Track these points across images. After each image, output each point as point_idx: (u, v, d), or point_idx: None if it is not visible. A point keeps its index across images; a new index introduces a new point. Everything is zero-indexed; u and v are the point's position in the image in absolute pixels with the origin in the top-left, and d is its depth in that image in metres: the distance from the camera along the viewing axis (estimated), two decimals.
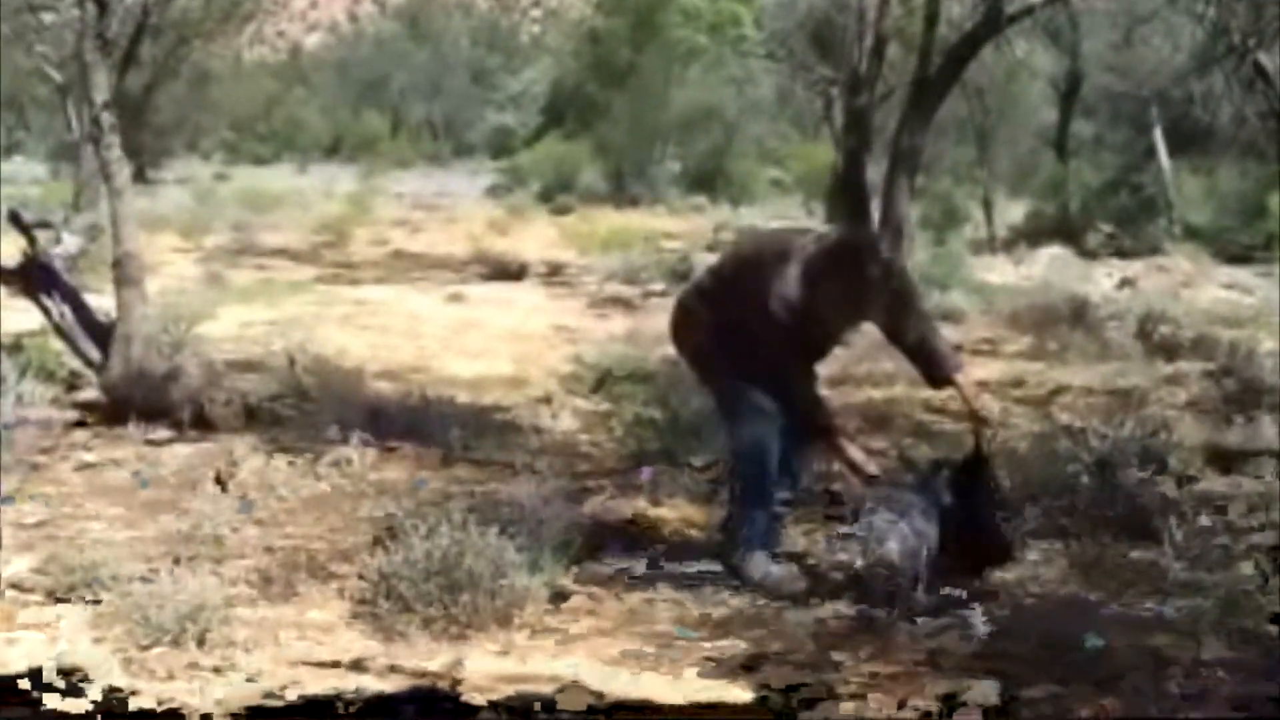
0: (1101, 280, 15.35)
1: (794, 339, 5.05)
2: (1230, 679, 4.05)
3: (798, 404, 5.10)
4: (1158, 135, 22.24)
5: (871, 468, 5.11)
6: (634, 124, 32.00)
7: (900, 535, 4.80)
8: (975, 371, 9.54)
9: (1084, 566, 5.30)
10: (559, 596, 4.86)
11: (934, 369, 5.33)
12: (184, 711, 3.91)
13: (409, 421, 7.30)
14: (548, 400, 8.38)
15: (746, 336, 5.11)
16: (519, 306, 13.17)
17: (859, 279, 4.99)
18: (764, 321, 5.04)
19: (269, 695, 4.03)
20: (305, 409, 7.59)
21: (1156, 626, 4.57)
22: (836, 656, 4.37)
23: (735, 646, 4.46)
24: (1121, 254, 18.94)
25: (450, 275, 16.07)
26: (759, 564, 5.11)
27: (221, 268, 15.77)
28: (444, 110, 58.80)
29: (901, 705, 3.94)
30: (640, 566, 5.32)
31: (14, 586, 5.05)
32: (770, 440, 5.15)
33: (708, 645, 4.46)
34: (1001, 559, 5.20)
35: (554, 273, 16.45)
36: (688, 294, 5.63)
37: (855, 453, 5.12)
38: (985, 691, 3.99)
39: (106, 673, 4.19)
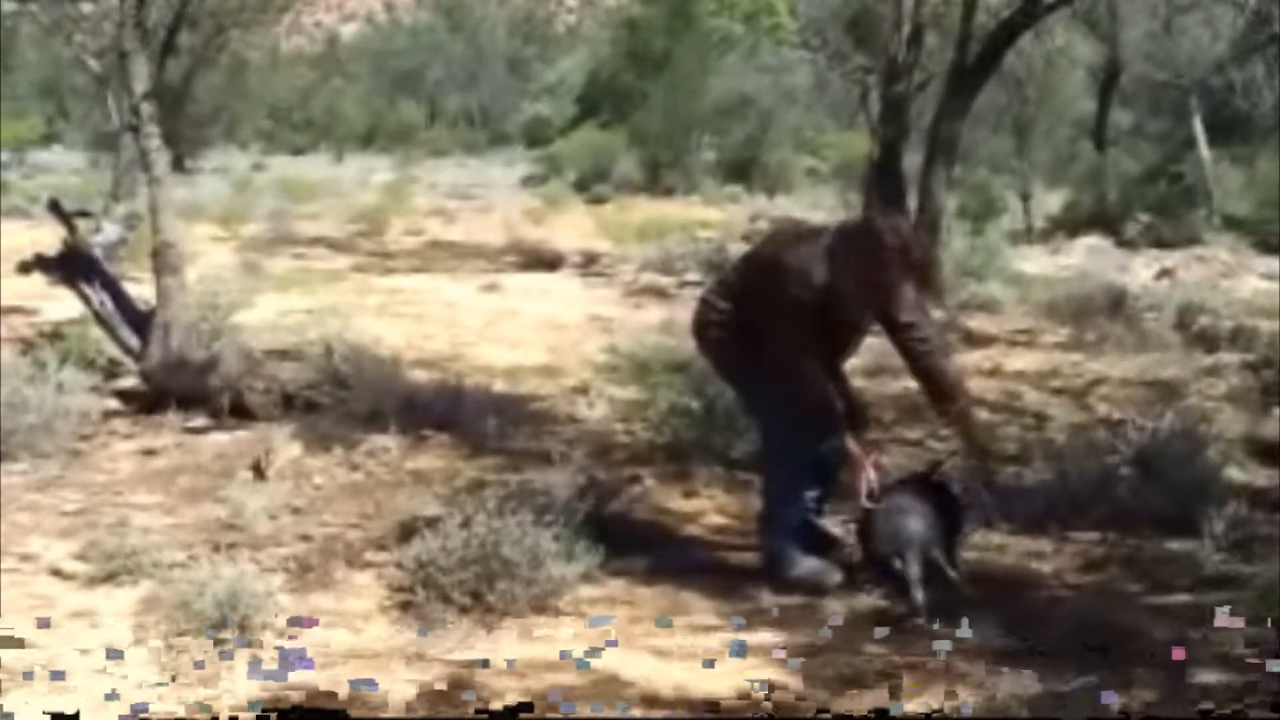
0: (1140, 271, 15.23)
1: (809, 327, 4.98)
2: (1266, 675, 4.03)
3: (807, 403, 5.03)
4: (1197, 125, 22.03)
5: (866, 503, 4.98)
6: (669, 113, 31.92)
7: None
8: (1013, 362, 9.60)
9: (1122, 558, 5.28)
10: (594, 585, 4.87)
11: (934, 385, 5.16)
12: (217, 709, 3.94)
13: (445, 410, 7.31)
14: (583, 390, 8.38)
15: (765, 332, 5.08)
16: (554, 296, 13.16)
17: (881, 253, 4.91)
18: (780, 309, 4.99)
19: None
20: (342, 397, 7.61)
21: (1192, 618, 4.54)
22: (871, 648, 4.37)
23: (771, 638, 4.46)
24: (1160, 244, 18.76)
25: (486, 264, 16.07)
26: (793, 560, 5.08)
27: (259, 256, 15.82)
28: (480, 100, 58.83)
29: (948, 696, 3.94)
30: (675, 557, 5.33)
31: (54, 573, 5.10)
32: (801, 434, 5.11)
33: (743, 636, 4.46)
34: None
35: (589, 262, 16.44)
36: (710, 290, 5.55)
37: (862, 478, 4.99)
38: (1023, 683, 3.98)
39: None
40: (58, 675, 4.11)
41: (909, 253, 5.00)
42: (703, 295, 5.60)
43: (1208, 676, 4.03)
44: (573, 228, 20.93)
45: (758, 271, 5.24)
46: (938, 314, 10.14)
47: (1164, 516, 5.52)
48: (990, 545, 5.47)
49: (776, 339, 5.04)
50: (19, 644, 4.34)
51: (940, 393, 5.14)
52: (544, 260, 16.35)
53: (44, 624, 4.53)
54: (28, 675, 4.10)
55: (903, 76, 15.63)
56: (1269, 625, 4.30)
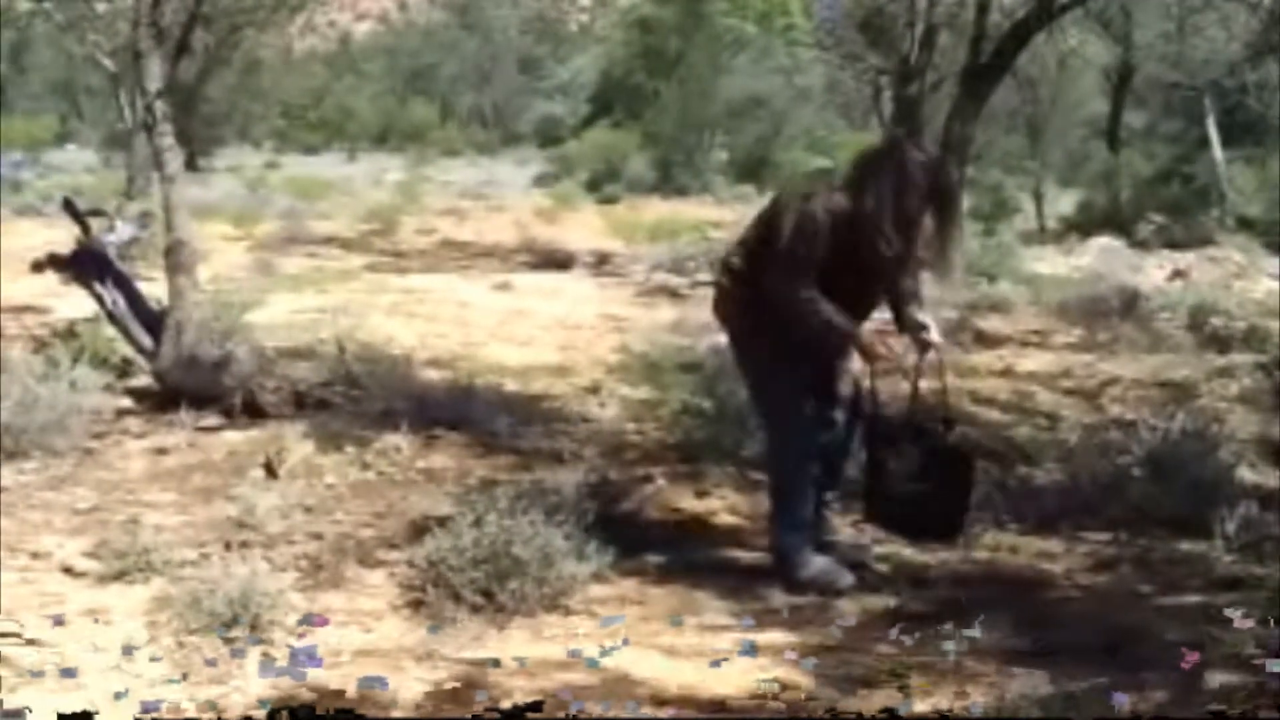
0: (1152, 271, 15.21)
1: (814, 260, 4.83)
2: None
3: (808, 331, 4.90)
4: (1210, 126, 22.02)
5: (898, 347, 5.02)
6: (682, 113, 31.94)
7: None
8: (1025, 362, 9.59)
9: (1134, 559, 5.27)
10: (605, 585, 4.87)
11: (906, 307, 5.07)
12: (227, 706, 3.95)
13: (456, 409, 7.32)
14: (595, 389, 8.38)
15: (767, 269, 4.95)
16: (566, 295, 13.17)
17: (906, 169, 4.81)
18: (786, 243, 4.87)
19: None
20: (354, 396, 7.63)
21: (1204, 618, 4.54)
22: (882, 648, 4.37)
23: (782, 638, 4.46)
24: (1173, 245, 18.75)
25: (498, 264, 16.09)
26: (803, 560, 5.05)
27: (271, 255, 15.85)
28: (492, 99, 58.92)
29: (959, 696, 3.93)
30: (686, 557, 5.33)
31: (66, 570, 5.11)
32: (809, 431, 5.07)
33: (754, 636, 4.45)
34: (944, 534, 5.18)
35: (601, 262, 16.44)
36: (719, 268, 5.45)
37: (879, 344, 4.93)
38: (1034, 683, 3.97)
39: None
40: (68, 673, 4.12)
41: (934, 173, 4.90)
42: (716, 275, 5.54)
43: (1219, 678, 4.02)
44: (585, 227, 20.95)
45: (771, 217, 5.06)
46: (950, 314, 10.17)
47: (1176, 517, 5.51)
48: (1002, 545, 5.46)
49: (776, 270, 4.91)
50: (30, 642, 4.35)
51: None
52: (556, 260, 16.36)
53: (57, 621, 4.54)
54: (38, 673, 4.11)
55: (915, 77, 15.64)
56: None
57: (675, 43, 33.56)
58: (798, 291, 4.85)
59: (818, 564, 5.04)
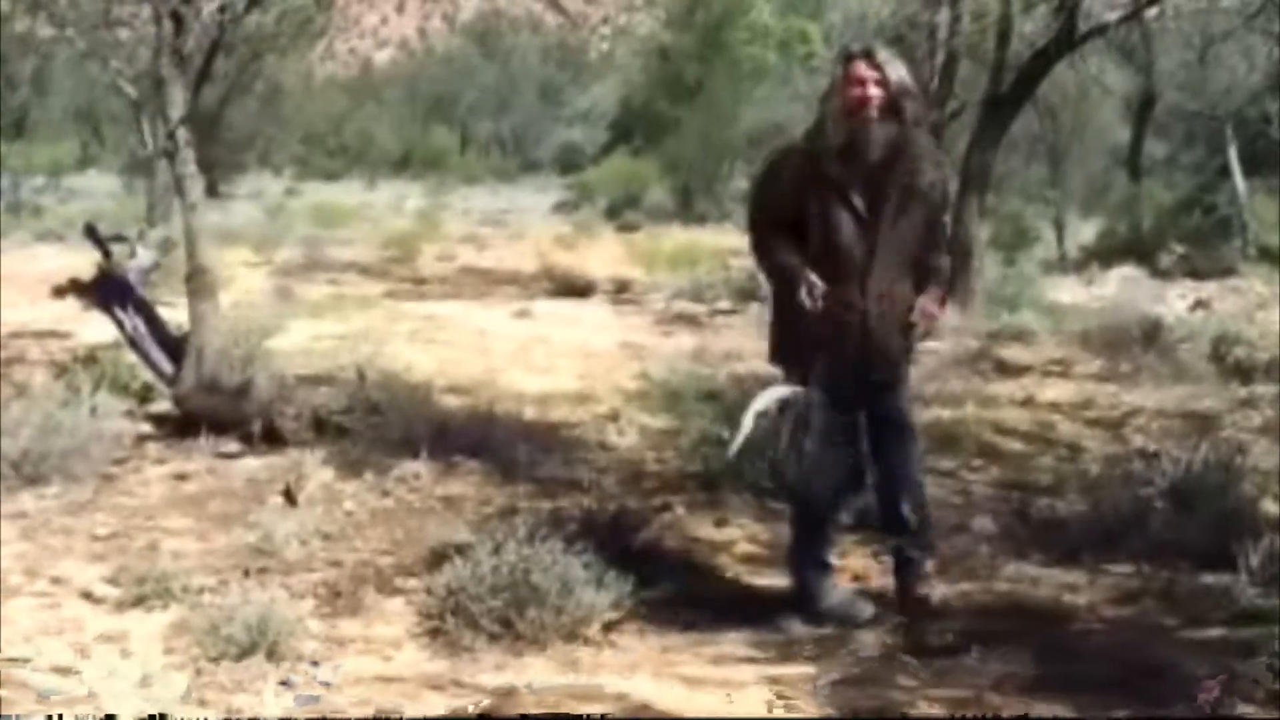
0: (1174, 301, 15.14)
1: (782, 206, 4.80)
2: None
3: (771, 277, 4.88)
4: (1232, 155, 21.93)
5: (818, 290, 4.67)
6: (702, 141, 31.96)
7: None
8: (1047, 392, 9.55)
9: (1157, 591, 5.23)
10: (624, 614, 4.85)
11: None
12: None
13: (476, 437, 7.31)
14: (614, 417, 8.36)
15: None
16: (586, 323, 13.17)
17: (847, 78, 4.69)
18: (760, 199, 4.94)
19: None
20: (373, 423, 7.63)
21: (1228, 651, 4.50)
22: (903, 680, 4.34)
23: (799, 671, 4.43)
24: (1195, 275, 18.67)
25: (517, 291, 16.10)
26: (822, 591, 5.00)
27: (291, 282, 15.89)
28: (512, 126, 59.03)
29: None
30: (706, 586, 5.31)
31: (85, 596, 5.11)
32: (827, 458, 4.86)
33: (772, 669, 4.43)
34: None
35: (621, 290, 16.45)
36: None
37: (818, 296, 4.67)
38: (1056, 716, 3.94)
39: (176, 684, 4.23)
40: (87, 698, 4.11)
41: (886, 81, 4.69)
42: None
43: (1242, 710, 3.99)
44: (604, 255, 20.95)
45: None
46: (971, 343, 10.14)
47: (1199, 549, 5.46)
48: (1024, 577, 5.43)
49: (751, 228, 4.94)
50: (51, 668, 4.35)
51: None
52: (575, 287, 16.36)
53: (75, 648, 4.54)
54: (57, 698, 4.11)
55: (936, 105, 15.60)
56: None
57: (695, 71, 33.58)
58: (762, 238, 4.92)
59: (837, 595, 5.01)
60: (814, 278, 4.64)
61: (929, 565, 5.05)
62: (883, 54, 4.72)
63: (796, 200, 4.78)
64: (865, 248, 4.70)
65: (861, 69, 4.67)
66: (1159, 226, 21.71)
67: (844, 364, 4.72)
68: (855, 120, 4.65)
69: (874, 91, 4.65)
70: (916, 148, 4.75)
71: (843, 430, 4.77)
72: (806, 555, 5.06)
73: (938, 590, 5.05)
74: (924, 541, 5.03)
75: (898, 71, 4.71)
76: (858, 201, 4.70)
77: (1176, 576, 5.36)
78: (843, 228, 4.72)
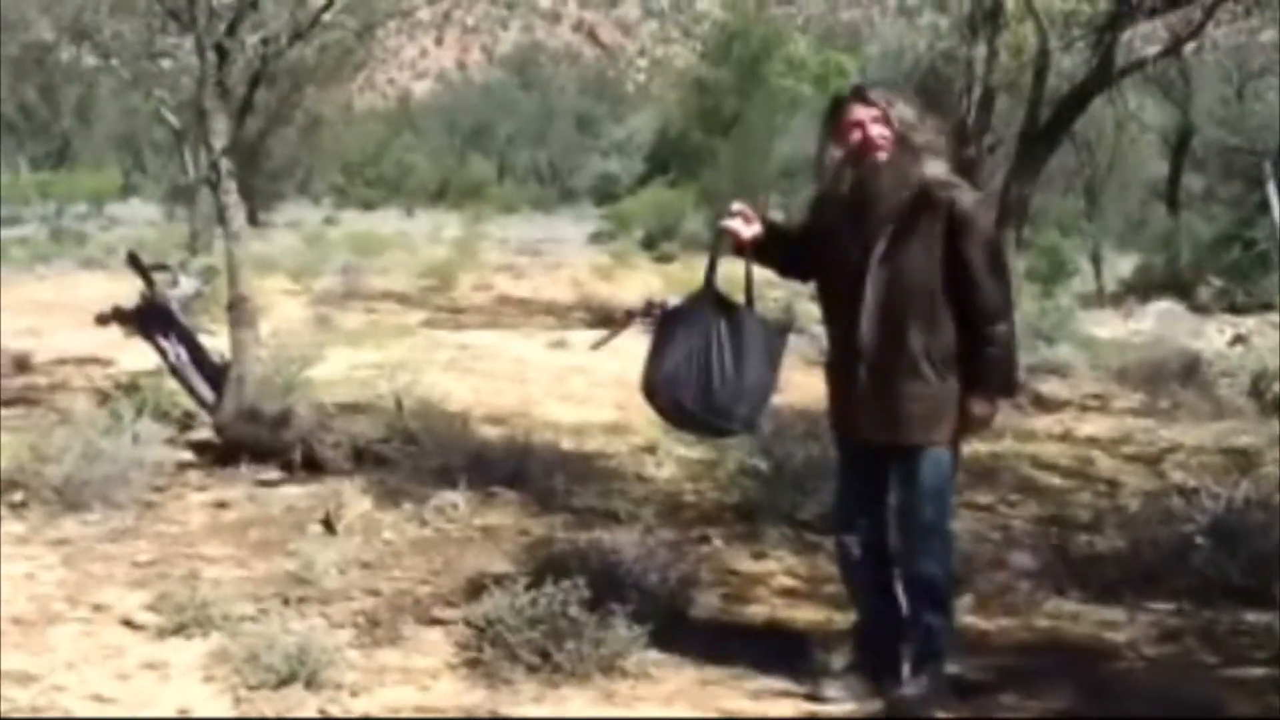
0: (1213, 336, 15.07)
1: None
2: None
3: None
4: (1271, 190, 21.83)
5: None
6: (737, 172, 32.03)
7: None
8: (1085, 427, 9.51)
9: (1198, 629, 5.20)
10: (662, 647, 4.84)
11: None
12: None
13: (513, 467, 7.33)
14: (651, 448, 8.36)
15: None
16: (623, 353, 13.14)
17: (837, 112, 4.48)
18: None
19: None
20: (411, 452, 7.65)
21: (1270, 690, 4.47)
22: (942, 715, 4.32)
23: (838, 707, 4.42)
24: (1233, 309, 18.60)
25: (554, 321, 16.15)
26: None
27: (330, 310, 15.98)
28: (550, 157, 59.30)
29: None
30: (744, 619, 5.30)
31: (126, 623, 5.13)
32: (846, 490, 4.63)
33: (810, 705, 4.41)
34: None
35: None
36: None
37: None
38: None
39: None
40: None
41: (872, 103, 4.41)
42: None
43: None
44: (641, 285, 20.98)
45: None
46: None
47: (1240, 587, 5.43)
48: (1064, 613, 5.41)
49: None
50: (91, 696, 4.38)
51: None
52: (612, 317, 16.38)
53: (116, 675, 4.56)
54: None
55: (973, 140, 15.59)
56: None
57: (732, 103, 33.67)
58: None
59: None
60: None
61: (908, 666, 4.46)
62: (875, 90, 4.46)
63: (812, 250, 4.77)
64: (856, 293, 4.41)
65: (858, 111, 4.37)
66: (1197, 261, 21.64)
67: (844, 420, 4.56)
68: (864, 166, 4.37)
69: (876, 130, 4.34)
70: (931, 180, 4.36)
71: (861, 482, 4.53)
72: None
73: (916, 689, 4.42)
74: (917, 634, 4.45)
75: (896, 104, 4.42)
76: (853, 246, 4.45)
77: (1217, 614, 5.33)
78: (837, 272, 4.59)
